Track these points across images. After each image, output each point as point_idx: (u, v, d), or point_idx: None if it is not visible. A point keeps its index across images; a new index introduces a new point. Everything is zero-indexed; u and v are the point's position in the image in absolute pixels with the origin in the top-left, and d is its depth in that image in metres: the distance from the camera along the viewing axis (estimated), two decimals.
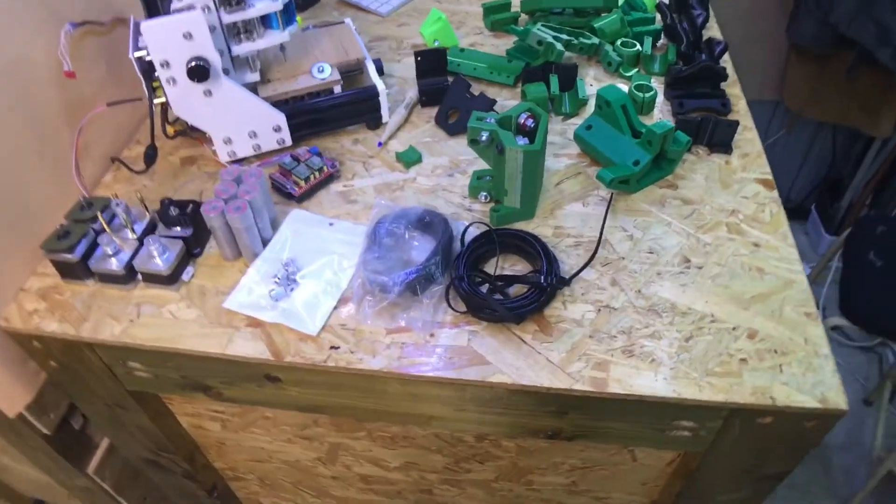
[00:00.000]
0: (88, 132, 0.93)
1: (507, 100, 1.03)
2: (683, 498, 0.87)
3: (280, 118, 0.91)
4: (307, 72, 0.95)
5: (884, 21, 1.50)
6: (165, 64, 0.81)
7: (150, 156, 0.88)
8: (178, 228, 0.82)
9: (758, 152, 0.92)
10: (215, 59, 0.82)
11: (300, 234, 0.83)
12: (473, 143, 0.80)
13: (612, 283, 0.76)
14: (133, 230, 0.82)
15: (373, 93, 0.95)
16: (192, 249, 0.82)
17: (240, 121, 0.90)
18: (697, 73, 1.00)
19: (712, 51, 1.04)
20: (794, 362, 0.69)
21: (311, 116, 0.95)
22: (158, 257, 0.78)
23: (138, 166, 0.92)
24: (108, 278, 0.80)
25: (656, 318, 0.73)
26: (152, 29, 0.78)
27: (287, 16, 0.88)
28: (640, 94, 0.98)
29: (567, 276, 0.75)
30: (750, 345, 0.70)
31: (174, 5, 0.80)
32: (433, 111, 1.01)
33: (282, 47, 0.96)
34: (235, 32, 0.86)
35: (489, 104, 0.97)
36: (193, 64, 0.81)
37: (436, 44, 1.12)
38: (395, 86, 1.07)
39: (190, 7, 0.80)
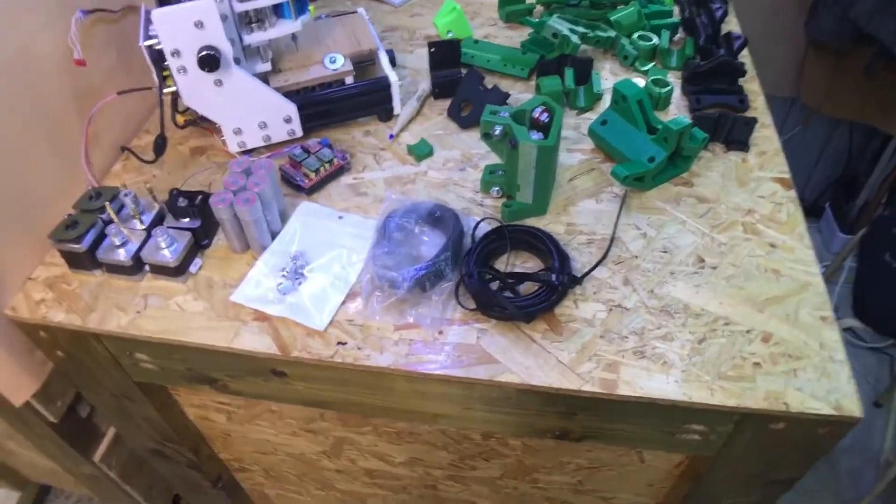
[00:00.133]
0: (98, 121, 0.92)
1: (520, 93, 1.02)
2: (690, 500, 0.86)
3: (291, 109, 0.90)
4: (319, 62, 0.94)
5: None
6: (176, 53, 0.80)
7: (160, 146, 0.88)
8: (187, 220, 0.81)
9: (775, 150, 0.91)
10: (226, 49, 0.81)
11: (309, 226, 0.82)
12: (486, 137, 0.79)
13: (625, 283, 0.75)
14: (141, 221, 0.81)
15: (385, 84, 0.94)
16: (200, 241, 0.81)
17: (250, 111, 0.89)
18: (715, 69, 0.98)
19: (731, 45, 1.02)
20: (809, 367, 0.67)
21: (323, 107, 0.93)
22: (166, 249, 0.77)
23: (148, 156, 0.91)
24: (116, 269, 0.79)
25: (669, 319, 0.72)
26: (163, 17, 0.77)
27: (299, 5, 0.87)
28: (657, 90, 0.96)
29: (579, 275, 0.74)
30: (764, 348, 0.69)
31: None
32: (446, 103, 1.00)
33: (294, 37, 0.95)
34: (247, 21, 0.85)
35: (503, 97, 0.96)
36: (204, 53, 0.80)
37: (449, 35, 1.10)
38: (408, 77, 1.06)
39: None
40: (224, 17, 0.81)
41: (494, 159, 0.88)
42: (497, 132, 0.77)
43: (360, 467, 1.03)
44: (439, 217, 0.79)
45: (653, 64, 1.05)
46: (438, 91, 1.01)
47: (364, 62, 1.00)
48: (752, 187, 0.86)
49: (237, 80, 0.85)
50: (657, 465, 0.85)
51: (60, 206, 0.84)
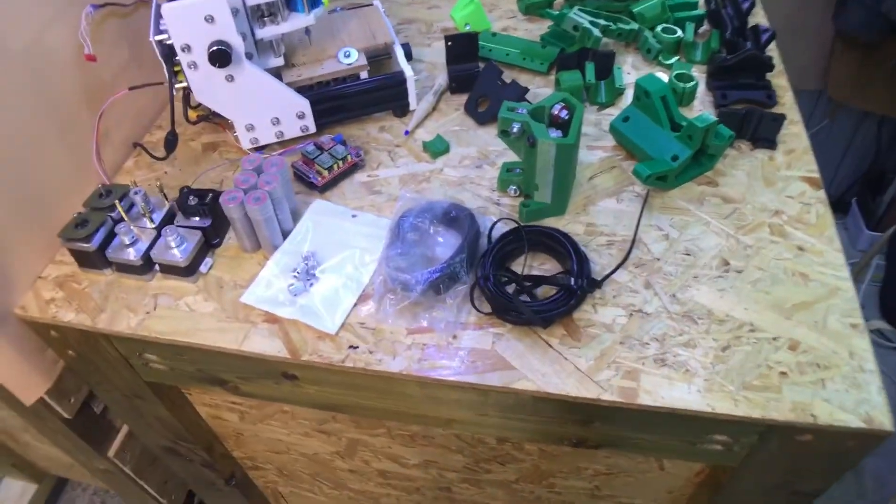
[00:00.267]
0: (110, 117, 0.91)
1: (539, 88, 0.99)
2: None
3: (304, 105, 0.88)
4: (333, 56, 0.92)
5: None
6: (186, 48, 0.79)
7: (171, 142, 0.86)
8: (197, 218, 0.80)
9: (804, 148, 0.87)
10: (238, 44, 0.80)
11: (321, 225, 0.81)
12: (504, 134, 0.77)
13: (646, 286, 0.73)
14: (151, 219, 0.80)
15: (400, 79, 0.92)
16: (210, 240, 0.80)
17: (262, 107, 0.87)
18: (742, 63, 0.95)
19: (758, 38, 0.99)
20: (838, 377, 0.64)
21: (337, 103, 0.91)
22: (176, 248, 0.76)
23: (160, 152, 0.90)
24: (126, 268, 0.78)
25: (691, 325, 0.69)
26: (173, 11, 0.76)
27: None
28: (681, 84, 0.93)
29: (598, 278, 0.72)
30: (791, 357, 0.66)
31: None
32: (463, 98, 0.97)
33: (307, 31, 0.93)
34: (259, 15, 0.83)
35: (521, 92, 0.93)
36: (215, 48, 0.78)
37: (467, 28, 1.08)
38: (424, 71, 1.04)
39: None
40: (235, 12, 0.79)
41: (512, 157, 0.85)
42: (515, 130, 0.75)
43: (374, 468, 1.01)
44: (455, 217, 0.77)
45: (677, 58, 1.02)
46: (455, 86, 0.99)
47: (379, 56, 0.98)
48: (780, 187, 0.82)
49: (249, 75, 0.83)
50: (677, 472, 0.82)
51: (71, 203, 0.83)
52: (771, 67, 0.96)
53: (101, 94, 0.89)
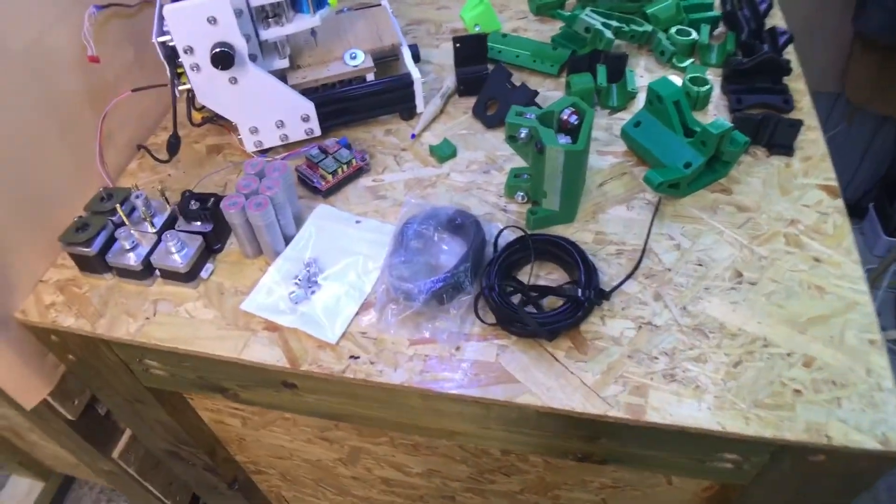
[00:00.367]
0: (113, 119, 0.90)
1: (550, 90, 0.97)
2: None
3: (309, 107, 0.87)
4: (339, 58, 0.90)
5: None
6: (189, 50, 0.77)
7: (173, 145, 0.85)
8: (199, 223, 0.78)
9: (822, 155, 0.85)
10: (241, 45, 0.78)
11: (325, 231, 0.79)
12: (511, 139, 0.75)
13: (656, 298, 0.71)
14: (153, 223, 0.78)
15: (407, 81, 0.90)
16: (212, 245, 0.79)
17: (266, 110, 0.85)
18: (758, 66, 0.92)
19: (775, 41, 0.96)
20: (854, 396, 0.62)
21: (342, 105, 0.90)
22: (176, 253, 0.75)
23: (163, 154, 0.89)
24: (126, 273, 0.77)
25: (702, 340, 0.67)
26: (175, 13, 0.74)
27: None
28: (695, 88, 0.91)
29: (607, 289, 0.70)
30: (805, 374, 0.64)
31: None
32: (471, 101, 0.95)
33: (313, 32, 0.91)
34: (263, 16, 0.82)
35: (530, 96, 0.91)
36: (218, 50, 0.77)
37: (476, 29, 1.06)
38: (432, 73, 1.02)
39: None
40: (239, 13, 0.78)
41: (520, 162, 0.83)
42: (523, 135, 0.73)
43: (377, 476, 1.00)
44: (460, 224, 0.75)
45: (691, 60, 1.00)
46: (464, 88, 0.97)
47: (387, 58, 0.96)
48: (796, 195, 0.80)
49: (253, 77, 0.81)
50: (685, 487, 0.80)
51: (74, 205, 0.82)
52: (788, 71, 0.93)
53: (105, 95, 0.88)
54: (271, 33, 0.82)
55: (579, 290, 0.67)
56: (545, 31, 1.08)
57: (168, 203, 0.81)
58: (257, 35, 0.82)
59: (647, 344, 0.67)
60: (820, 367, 0.64)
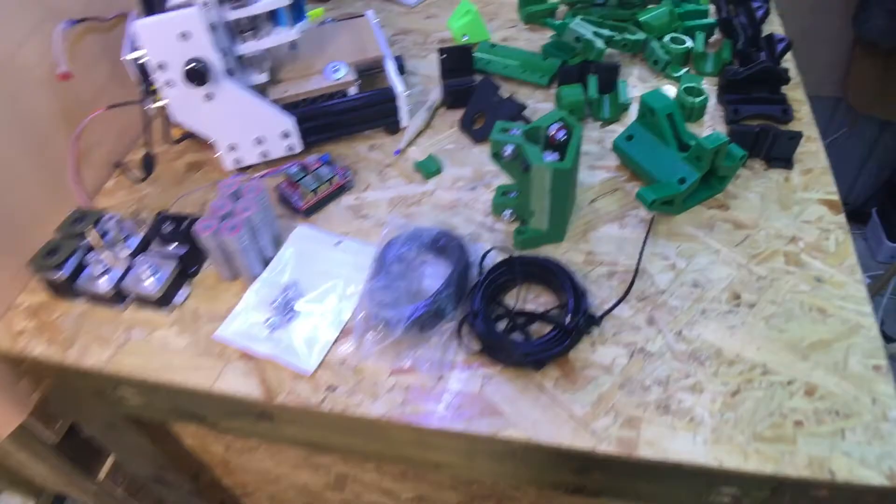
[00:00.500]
0: (90, 136, 0.87)
1: (539, 103, 0.94)
2: None
3: (289, 123, 0.84)
4: (321, 72, 0.87)
5: None
6: (162, 66, 0.74)
7: (148, 164, 0.82)
8: (174, 246, 0.75)
9: (822, 168, 0.81)
10: (216, 60, 0.75)
11: (304, 254, 0.76)
12: (496, 157, 0.71)
13: (649, 322, 0.67)
14: (126, 246, 0.75)
15: (390, 95, 0.87)
16: (188, 268, 0.76)
17: (245, 126, 0.82)
18: (756, 76, 0.89)
19: (773, 49, 0.93)
20: (859, 427, 0.59)
21: (324, 121, 0.87)
22: (149, 279, 0.72)
23: (142, 172, 0.85)
24: (97, 299, 0.74)
25: (698, 367, 0.63)
26: (146, 28, 0.72)
27: (296, 12, 0.80)
28: (690, 99, 0.88)
29: (597, 314, 0.66)
30: (807, 403, 0.60)
31: (170, 2, 0.73)
32: (458, 114, 0.92)
33: (294, 45, 0.88)
34: (239, 30, 0.79)
35: (518, 109, 0.88)
36: (191, 66, 0.74)
37: (465, 39, 1.03)
38: (419, 85, 0.99)
39: (188, 4, 0.73)
40: (214, 27, 0.75)
41: (508, 178, 0.80)
42: (508, 152, 0.70)
43: (366, 501, 0.97)
44: (443, 246, 0.72)
45: (686, 70, 0.96)
46: (451, 100, 0.94)
47: (373, 70, 0.93)
48: (796, 211, 0.77)
49: (229, 93, 0.78)
50: None
51: (49, 227, 0.79)
52: (786, 80, 0.90)
53: (81, 112, 0.85)
54: (248, 47, 0.79)
55: (568, 317, 0.64)
56: (536, 40, 1.05)
57: (142, 224, 0.78)
58: (233, 50, 0.79)
59: (640, 372, 0.63)
60: (822, 396, 0.61)
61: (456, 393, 0.63)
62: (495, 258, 0.72)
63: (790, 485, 0.58)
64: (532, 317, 0.66)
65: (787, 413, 0.60)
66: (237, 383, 0.66)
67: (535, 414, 0.61)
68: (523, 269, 0.69)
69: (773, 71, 0.89)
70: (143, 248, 0.76)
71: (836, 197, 0.78)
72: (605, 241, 0.75)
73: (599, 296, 0.70)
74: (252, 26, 0.79)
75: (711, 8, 1.05)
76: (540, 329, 0.67)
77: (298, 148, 0.86)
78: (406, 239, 0.71)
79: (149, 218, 0.79)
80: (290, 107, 0.85)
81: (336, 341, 0.68)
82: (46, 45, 0.79)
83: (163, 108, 0.80)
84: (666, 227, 0.76)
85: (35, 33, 0.78)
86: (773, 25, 1.05)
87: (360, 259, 0.74)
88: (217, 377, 0.67)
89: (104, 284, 0.73)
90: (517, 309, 0.68)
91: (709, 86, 0.94)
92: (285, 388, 0.65)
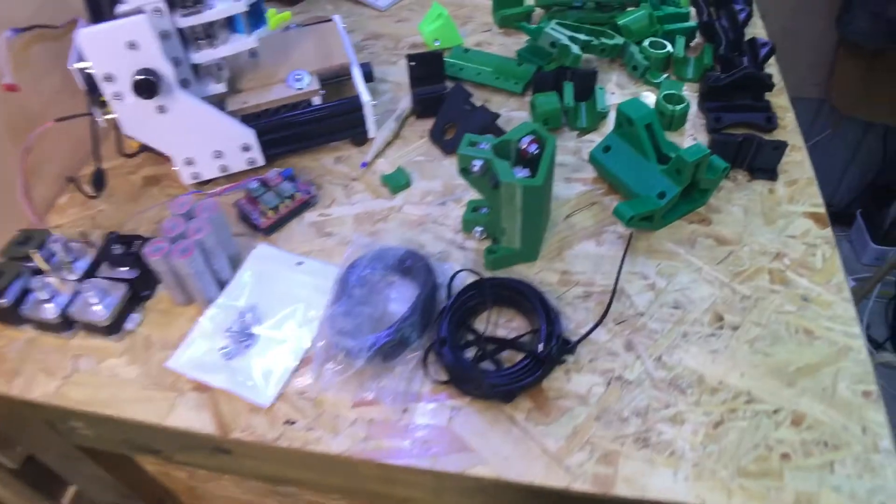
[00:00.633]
0: (41, 150, 0.82)
1: (513, 111, 0.90)
2: None
3: (249, 135, 0.79)
4: (283, 81, 0.83)
5: None
6: (109, 77, 0.70)
7: (99, 180, 0.77)
8: (125, 269, 0.71)
9: (808, 179, 0.78)
10: (167, 71, 0.71)
11: (263, 276, 0.72)
12: (464, 172, 0.68)
13: (627, 347, 0.64)
14: (73, 270, 0.71)
15: (356, 105, 0.83)
16: (139, 292, 0.71)
17: (202, 139, 0.78)
18: (738, 82, 0.86)
19: (756, 54, 0.89)
20: (849, 459, 0.55)
21: (287, 132, 0.82)
22: (97, 305, 0.67)
23: (93, 189, 0.81)
24: (43, 326, 0.69)
25: (679, 396, 0.60)
26: (91, 37, 0.67)
27: (254, 18, 0.76)
28: (670, 107, 0.84)
29: (572, 340, 0.63)
30: (794, 434, 0.57)
31: (119, 9, 0.69)
32: (429, 123, 0.88)
33: (255, 52, 0.84)
34: (193, 38, 0.74)
35: (491, 118, 0.84)
36: (140, 77, 0.69)
37: (436, 44, 0.99)
38: (389, 93, 0.95)
39: (137, 11, 0.68)
40: (165, 35, 0.71)
41: (479, 193, 0.76)
42: (476, 168, 0.66)
43: None
44: (409, 267, 0.68)
45: (666, 75, 0.93)
46: (421, 109, 0.90)
47: (340, 77, 0.88)
48: (781, 225, 0.73)
49: (183, 105, 0.74)
50: None
51: None
52: (770, 87, 0.86)
53: (30, 125, 0.81)
54: (203, 56, 0.75)
55: (540, 345, 0.60)
56: (511, 44, 1.01)
57: (92, 246, 0.73)
58: (188, 59, 0.75)
59: (618, 402, 0.60)
60: (810, 426, 0.57)
61: (422, 426, 0.59)
62: (465, 279, 0.68)
63: None
64: (503, 344, 0.63)
65: (773, 445, 0.56)
66: (190, 417, 0.62)
67: (507, 449, 0.57)
68: (493, 292, 0.65)
69: (757, 77, 0.86)
70: (92, 271, 0.72)
71: (822, 210, 0.75)
72: (581, 259, 0.72)
73: (575, 319, 0.66)
74: (207, 34, 0.74)
75: (692, 11, 1.01)
76: (512, 356, 0.63)
77: (260, 161, 0.82)
78: (370, 260, 0.67)
79: (99, 239, 0.75)
80: (250, 118, 0.81)
81: (296, 371, 0.64)
82: None
83: (115, 119, 0.76)
84: (645, 243, 0.73)
85: None
86: (756, 28, 1.02)
87: (323, 281, 0.69)
88: (169, 411, 0.63)
89: (51, 311, 0.68)
90: (487, 335, 0.64)
91: (690, 92, 0.90)
92: (240, 423, 0.61)
